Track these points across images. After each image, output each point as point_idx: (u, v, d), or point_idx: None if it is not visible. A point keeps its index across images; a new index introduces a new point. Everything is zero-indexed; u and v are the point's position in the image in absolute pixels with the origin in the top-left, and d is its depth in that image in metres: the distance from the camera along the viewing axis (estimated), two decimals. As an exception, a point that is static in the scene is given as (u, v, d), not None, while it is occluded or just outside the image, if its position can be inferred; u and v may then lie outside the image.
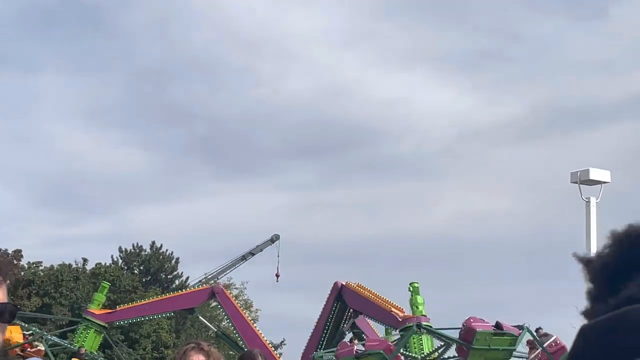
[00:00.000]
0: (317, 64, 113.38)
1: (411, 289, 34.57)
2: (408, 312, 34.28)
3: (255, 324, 45.98)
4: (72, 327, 46.13)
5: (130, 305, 42.48)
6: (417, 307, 33.84)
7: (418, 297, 34.14)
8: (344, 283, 39.27)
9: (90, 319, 38.14)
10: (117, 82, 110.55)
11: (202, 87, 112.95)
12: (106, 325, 39.10)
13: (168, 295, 43.18)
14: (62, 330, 47.82)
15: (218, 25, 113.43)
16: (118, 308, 41.91)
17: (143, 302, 42.55)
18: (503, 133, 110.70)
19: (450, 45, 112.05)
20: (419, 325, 32.11)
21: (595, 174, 14.93)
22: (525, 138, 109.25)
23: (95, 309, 39.12)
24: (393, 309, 35.13)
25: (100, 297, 40.07)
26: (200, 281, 70.36)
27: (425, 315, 33.42)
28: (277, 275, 70.41)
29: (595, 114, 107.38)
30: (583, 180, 14.99)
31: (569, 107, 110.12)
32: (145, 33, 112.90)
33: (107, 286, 41.74)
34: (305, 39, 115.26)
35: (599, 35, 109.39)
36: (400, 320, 33.86)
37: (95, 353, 38.09)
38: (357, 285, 38.93)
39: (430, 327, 32.89)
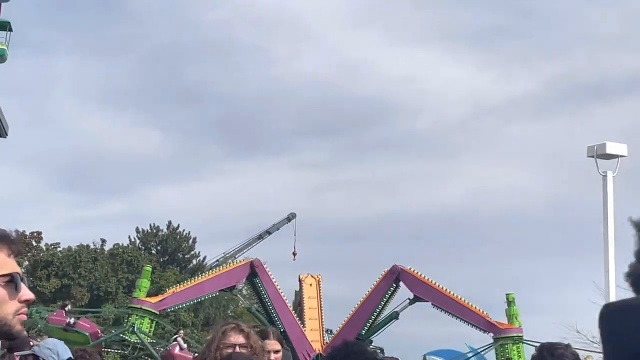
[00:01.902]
0: (331, 42, 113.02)
1: (510, 299, 38.86)
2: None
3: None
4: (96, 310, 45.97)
5: (176, 289, 41.22)
6: (516, 319, 38.43)
7: (514, 308, 38.71)
8: (404, 268, 40.57)
9: (143, 307, 36.91)
10: (132, 63, 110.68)
11: (216, 67, 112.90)
12: (158, 313, 38.38)
13: (209, 276, 42.41)
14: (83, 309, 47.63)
15: (232, 5, 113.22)
16: (164, 295, 41.11)
17: (185, 285, 41.84)
18: (518, 109, 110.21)
19: (464, 22, 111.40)
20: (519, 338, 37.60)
21: (611, 147, 14.86)
22: (541, 113, 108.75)
23: (143, 297, 38.04)
24: (473, 309, 39.06)
25: (146, 282, 38.87)
26: (218, 260, 70.67)
27: (520, 327, 38.35)
28: (294, 254, 70.52)
29: (611, 88, 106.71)
30: (599, 154, 14.91)
31: (584, 81, 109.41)
32: (160, 14, 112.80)
33: (150, 269, 41.14)
34: (319, 18, 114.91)
35: (613, 10, 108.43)
36: (499, 327, 38.18)
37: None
38: (411, 271, 40.76)
39: (521, 337, 37.91)
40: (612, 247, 14.12)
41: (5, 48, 47.73)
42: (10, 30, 48.25)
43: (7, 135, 46.21)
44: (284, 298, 42.95)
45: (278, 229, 71.58)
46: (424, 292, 40.11)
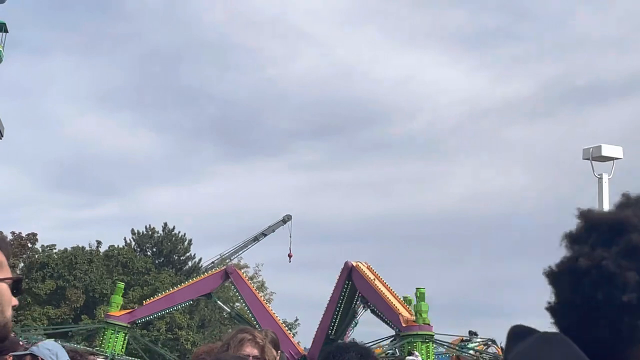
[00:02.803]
0: (327, 43, 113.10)
1: (418, 295, 35.03)
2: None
3: (269, 305, 46.10)
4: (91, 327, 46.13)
5: (149, 301, 42.56)
6: (420, 315, 34.45)
7: (423, 304, 34.62)
8: (354, 264, 39.07)
9: (113, 322, 38.66)
10: (128, 64, 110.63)
11: (212, 68, 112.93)
12: (128, 325, 39.69)
13: (184, 285, 43.29)
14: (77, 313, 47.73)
15: (227, 7, 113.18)
16: (138, 306, 42.14)
17: (160, 296, 42.79)
18: (514, 111, 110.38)
19: (460, 24, 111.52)
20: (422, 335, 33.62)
21: (607, 150, 14.86)
22: (537, 116, 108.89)
23: (115, 312, 39.64)
24: (400, 309, 35.62)
25: (118, 299, 40.63)
26: (213, 262, 70.61)
27: (429, 324, 34.32)
28: (290, 256, 70.56)
29: (607, 90, 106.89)
30: (595, 156, 14.92)
31: (580, 84, 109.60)
32: (155, 15, 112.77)
33: (122, 286, 42.21)
34: (314, 19, 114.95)
35: (608, 12, 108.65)
36: (403, 324, 34.57)
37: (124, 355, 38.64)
38: (367, 267, 38.85)
39: (432, 335, 34.11)
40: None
41: (1, 49, 47.70)
42: (6, 31, 48.23)
43: (2, 136, 46.19)
44: (263, 301, 42.89)
45: (274, 230, 71.61)
46: (364, 288, 38.13)
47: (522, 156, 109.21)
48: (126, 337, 38.47)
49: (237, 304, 53.48)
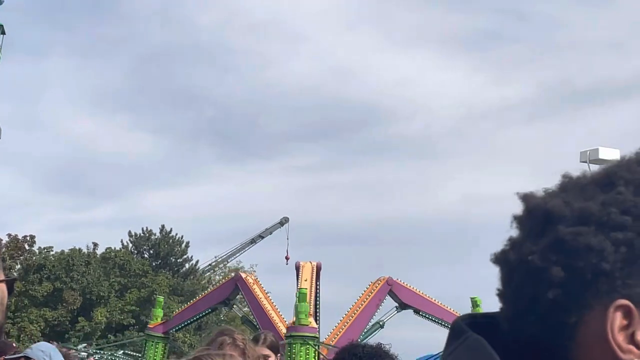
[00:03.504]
0: (324, 45, 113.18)
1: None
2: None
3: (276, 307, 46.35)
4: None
5: (178, 311, 44.83)
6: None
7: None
8: (397, 280, 41.35)
9: (151, 333, 41.59)
10: (125, 66, 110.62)
11: (209, 70, 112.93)
12: (163, 335, 42.00)
13: (202, 295, 45.69)
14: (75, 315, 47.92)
15: (225, 8, 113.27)
16: (169, 315, 44.25)
17: (186, 306, 45.09)
18: (511, 113, 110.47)
19: (457, 26, 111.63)
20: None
21: (604, 153, 14.91)
22: (534, 118, 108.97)
23: (153, 324, 42.18)
24: (454, 312, 37.62)
25: (159, 312, 42.63)
26: (210, 265, 70.59)
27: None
28: (287, 258, 70.51)
29: (605, 93, 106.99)
30: (592, 159, 14.95)
31: (577, 86, 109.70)
32: (152, 16, 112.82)
33: (162, 300, 44.54)
34: (311, 21, 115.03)
35: (607, 14, 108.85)
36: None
37: None
38: (400, 282, 41.07)
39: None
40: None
41: (-2, 51, 47.66)
42: (3, 33, 48.21)
43: (-1, 138, 46.12)
44: (268, 311, 43.20)
45: (271, 233, 71.61)
46: (410, 298, 41.18)
47: (519, 159, 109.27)
48: (166, 347, 41.81)
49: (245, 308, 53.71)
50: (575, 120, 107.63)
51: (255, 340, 6.40)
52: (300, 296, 35.01)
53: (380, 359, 4.29)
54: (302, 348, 33.41)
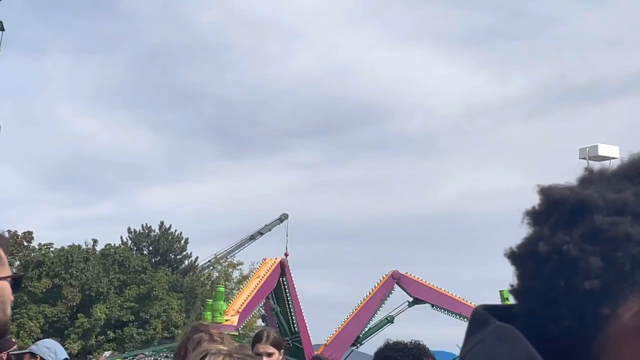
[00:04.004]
0: (324, 42, 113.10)
1: (506, 296, 35.33)
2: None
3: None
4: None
5: (240, 308, 42.04)
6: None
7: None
8: (403, 273, 41.16)
9: (229, 333, 39.12)
10: (124, 63, 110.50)
11: (209, 67, 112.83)
12: (238, 333, 40.63)
13: (257, 288, 42.78)
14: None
15: (224, 6, 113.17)
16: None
17: (249, 298, 42.57)
18: (511, 110, 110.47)
19: (457, 23, 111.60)
20: None
21: (603, 149, 14.89)
22: (534, 115, 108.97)
23: (223, 321, 39.27)
24: (469, 304, 37.53)
25: (222, 305, 40.04)
26: (209, 261, 70.60)
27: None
28: (286, 255, 70.49)
29: (604, 90, 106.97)
30: (592, 156, 14.94)
31: (577, 83, 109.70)
32: (152, 14, 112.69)
33: (222, 290, 42.25)
34: (311, 18, 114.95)
35: (606, 11, 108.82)
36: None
37: None
38: (409, 276, 40.94)
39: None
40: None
41: (-2, 47, 47.64)
42: (2, 29, 48.16)
43: (-2, 134, 46.09)
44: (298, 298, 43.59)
45: (270, 229, 71.58)
46: (423, 293, 40.95)
47: (519, 155, 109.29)
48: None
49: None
50: (574, 117, 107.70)
51: (258, 337, 6.31)
52: (217, 295, 36.36)
53: (422, 355, 4.32)
54: None
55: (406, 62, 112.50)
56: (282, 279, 42.98)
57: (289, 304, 42.70)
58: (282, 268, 42.18)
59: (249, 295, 41.56)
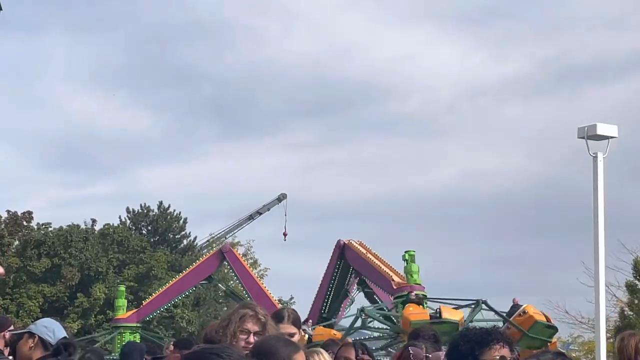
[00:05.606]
0: (322, 22, 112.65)
1: (407, 257, 34.28)
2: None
3: (262, 281, 46.25)
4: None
5: (152, 297, 42.41)
6: (411, 276, 33.65)
7: (413, 265, 33.83)
8: (346, 241, 39.13)
9: (122, 324, 38.73)
10: (123, 43, 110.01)
11: (207, 47, 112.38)
12: (139, 325, 39.56)
13: (183, 274, 42.74)
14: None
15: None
16: (143, 304, 41.82)
17: (161, 290, 42.58)
18: (510, 90, 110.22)
19: (455, 2, 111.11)
20: (416, 294, 31.84)
21: (602, 129, 14.85)
22: (533, 95, 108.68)
23: (121, 315, 39.52)
24: (393, 275, 35.00)
25: (122, 302, 40.35)
26: (207, 241, 70.75)
27: (420, 284, 33.29)
28: (285, 234, 70.71)
29: (603, 69, 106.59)
30: (590, 135, 14.89)
31: (576, 63, 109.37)
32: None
33: (124, 289, 42.13)
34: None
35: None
36: (394, 287, 33.88)
37: None
38: (359, 244, 38.76)
39: (425, 295, 32.90)
40: (601, 228, 14.12)
41: (-5, 27, 47.47)
42: (0, 9, 47.97)
43: (-4, 114, 46.03)
44: (257, 279, 42.96)
45: (269, 209, 71.79)
46: (361, 266, 37.70)
47: (518, 135, 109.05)
48: (137, 337, 38.13)
49: (230, 282, 53.55)
50: (574, 97, 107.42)
51: (279, 316, 6.18)
52: (410, 257, 33.31)
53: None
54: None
55: (405, 41, 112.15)
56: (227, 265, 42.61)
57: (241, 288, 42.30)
58: (223, 256, 41.55)
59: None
